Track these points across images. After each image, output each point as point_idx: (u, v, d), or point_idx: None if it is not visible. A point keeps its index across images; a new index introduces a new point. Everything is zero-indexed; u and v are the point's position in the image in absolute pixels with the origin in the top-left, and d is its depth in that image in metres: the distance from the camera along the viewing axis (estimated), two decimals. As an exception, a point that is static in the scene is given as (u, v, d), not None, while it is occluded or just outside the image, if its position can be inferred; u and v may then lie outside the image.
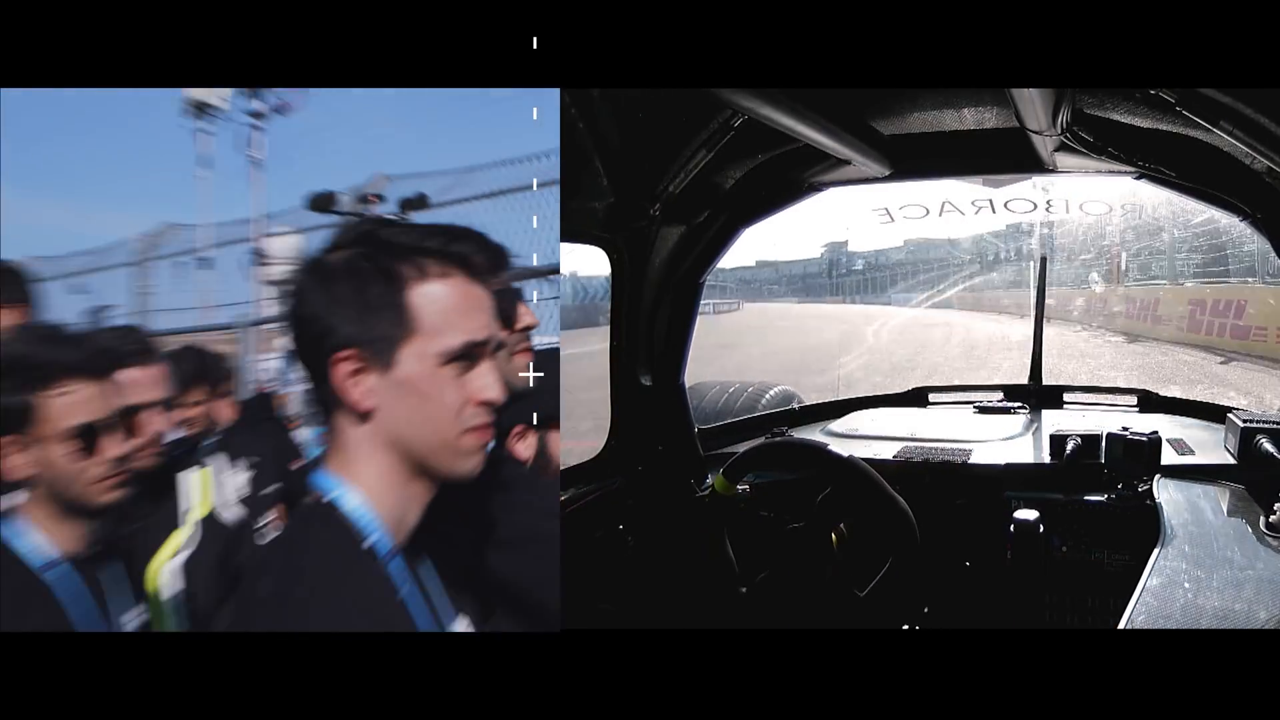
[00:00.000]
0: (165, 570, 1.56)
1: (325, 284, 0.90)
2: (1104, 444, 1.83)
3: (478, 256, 0.92)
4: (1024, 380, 2.54)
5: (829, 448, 1.64)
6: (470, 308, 0.91)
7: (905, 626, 1.66)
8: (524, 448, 1.38)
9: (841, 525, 1.66)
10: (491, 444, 1.19)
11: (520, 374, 1.30)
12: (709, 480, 2.02)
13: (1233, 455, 1.79)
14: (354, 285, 0.89)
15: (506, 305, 1.23)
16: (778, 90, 1.33)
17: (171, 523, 1.64)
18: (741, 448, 1.76)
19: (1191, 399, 2.39)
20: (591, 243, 1.76)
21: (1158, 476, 1.77)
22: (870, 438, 2.12)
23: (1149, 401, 2.39)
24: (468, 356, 0.90)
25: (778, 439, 1.82)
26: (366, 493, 0.89)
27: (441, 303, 0.90)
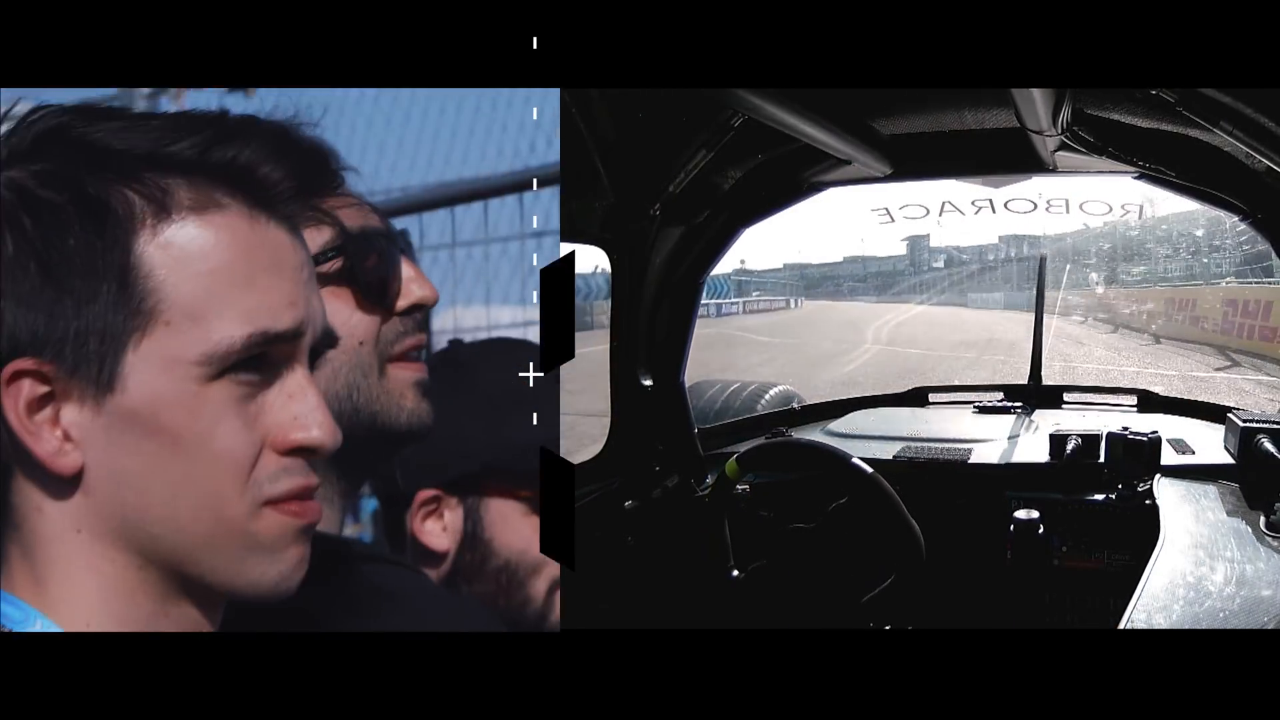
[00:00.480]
0: None
1: None
2: (1104, 444, 1.83)
3: (274, 169, 0.54)
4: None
5: (853, 459, 1.63)
6: (263, 268, 0.52)
7: (888, 626, 1.66)
8: (435, 531, 0.86)
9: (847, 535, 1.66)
10: (357, 525, 0.83)
11: (406, 394, 0.75)
12: (709, 480, 2.02)
13: (1233, 455, 1.79)
14: (33, 235, 0.50)
15: (361, 264, 0.72)
16: (778, 90, 1.33)
17: None
18: (743, 447, 1.76)
19: (1192, 399, 2.40)
20: (591, 243, 1.76)
21: (1158, 476, 1.77)
22: (870, 438, 2.12)
23: (1149, 401, 2.39)
24: (260, 364, 0.52)
25: (804, 440, 1.80)
26: (84, 629, 0.52)
27: (204, 260, 0.51)
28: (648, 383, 1.96)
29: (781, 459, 1.79)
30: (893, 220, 2.38)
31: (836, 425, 2.29)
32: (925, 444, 2.05)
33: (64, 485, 0.51)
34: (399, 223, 0.79)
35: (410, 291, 0.76)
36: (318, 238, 0.70)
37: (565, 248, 1.70)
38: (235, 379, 0.51)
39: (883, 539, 1.60)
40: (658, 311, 1.96)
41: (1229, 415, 1.87)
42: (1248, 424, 1.75)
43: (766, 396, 3.08)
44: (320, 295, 0.56)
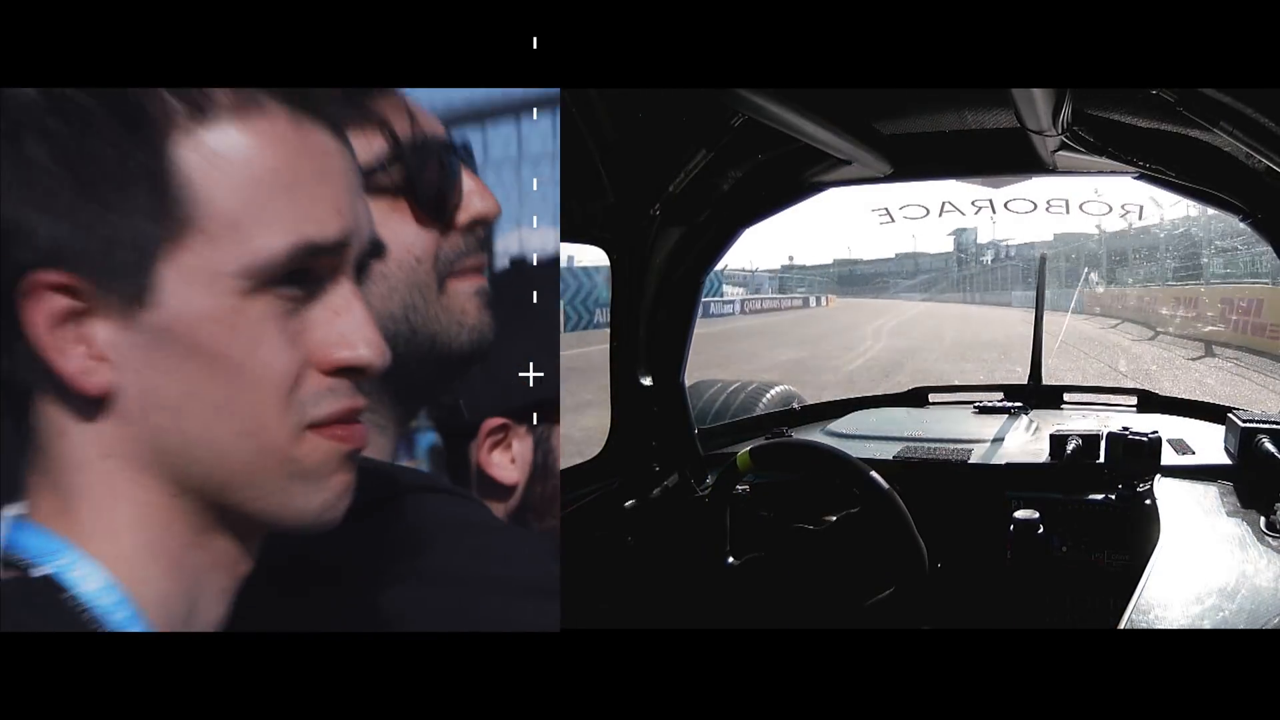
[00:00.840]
0: None
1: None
2: (1104, 444, 1.83)
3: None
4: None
5: (871, 471, 1.62)
6: (307, 174, 0.49)
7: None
8: (503, 462, 0.77)
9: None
10: (412, 461, 0.75)
11: (467, 309, 0.67)
12: (709, 480, 2.02)
13: (1232, 455, 1.79)
14: (60, 139, 0.45)
15: (420, 175, 0.66)
16: (779, 90, 1.33)
17: None
18: (743, 447, 1.75)
19: (1192, 399, 2.40)
20: (591, 243, 1.76)
21: (1158, 476, 1.77)
22: (870, 438, 2.12)
23: (1149, 401, 2.39)
24: (304, 277, 0.48)
25: (822, 445, 1.80)
26: (116, 561, 0.47)
27: (244, 166, 0.47)
28: (647, 382, 1.96)
29: (794, 460, 1.78)
30: (892, 220, 2.38)
31: (837, 425, 2.29)
32: (925, 444, 2.05)
33: (91, 407, 0.47)
34: (461, 133, 0.73)
35: (471, 205, 0.70)
36: (372, 147, 0.65)
37: (565, 248, 1.70)
38: (277, 293, 0.48)
39: (886, 552, 1.59)
40: (658, 311, 1.96)
41: (1229, 415, 1.87)
42: (1248, 424, 1.75)
43: (767, 397, 3.08)
44: (367, 204, 0.52)
